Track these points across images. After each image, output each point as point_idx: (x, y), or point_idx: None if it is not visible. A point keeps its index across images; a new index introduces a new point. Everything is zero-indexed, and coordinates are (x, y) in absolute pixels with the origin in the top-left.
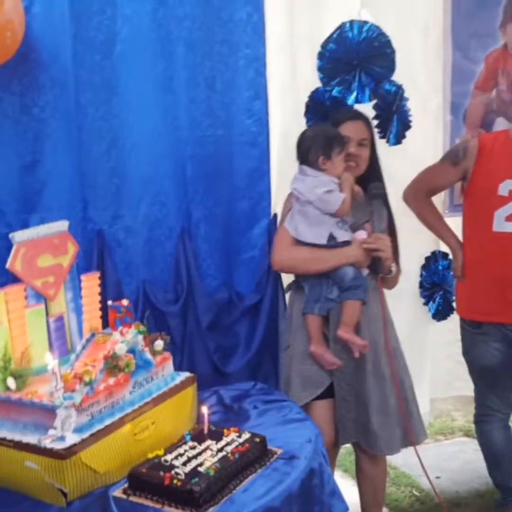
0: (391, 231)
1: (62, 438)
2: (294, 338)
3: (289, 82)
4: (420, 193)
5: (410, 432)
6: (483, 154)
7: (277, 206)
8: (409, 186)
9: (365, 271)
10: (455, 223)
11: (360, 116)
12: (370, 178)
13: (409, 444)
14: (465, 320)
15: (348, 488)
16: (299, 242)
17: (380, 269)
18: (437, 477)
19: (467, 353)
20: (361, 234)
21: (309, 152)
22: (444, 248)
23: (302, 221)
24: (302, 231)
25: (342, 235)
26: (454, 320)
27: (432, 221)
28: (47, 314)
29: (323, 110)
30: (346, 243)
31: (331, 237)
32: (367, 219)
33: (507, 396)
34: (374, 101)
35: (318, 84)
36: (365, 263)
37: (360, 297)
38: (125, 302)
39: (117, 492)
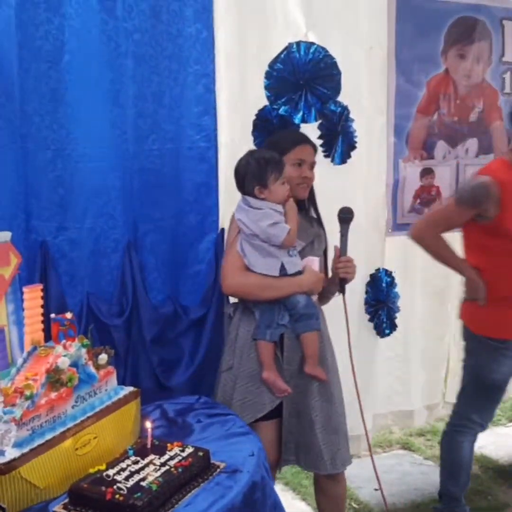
0: (325, 251)
1: (1, 453)
2: (239, 360)
3: (238, 98)
4: (438, 232)
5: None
6: (506, 194)
7: (225, 221)
8: (424, 225)
9: (315, 297)
10: (399, 242)
11: (309, 140)
12: (309, 199)
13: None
14: (489, 338)
15: (288, 501)
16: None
17: (343, 290)
18: (376, 489)
19: (484, 367)
20: (313, 261)
21: (244, 182)
22: (388, 265)
23: (252, 252)
24: (253, 262)
25: (293, 266)
26: (394, 336)
27: (449, 257)
28: None
29: (270, 128)
30: (298, 272)
31: (283, 268)
32: (311, 240)
33: (495, 411)
34: (320, 121)
35: (266, 101)
36: (317, 291)
37: (315, 327)
38: (68, 315)
39: (58, 507)
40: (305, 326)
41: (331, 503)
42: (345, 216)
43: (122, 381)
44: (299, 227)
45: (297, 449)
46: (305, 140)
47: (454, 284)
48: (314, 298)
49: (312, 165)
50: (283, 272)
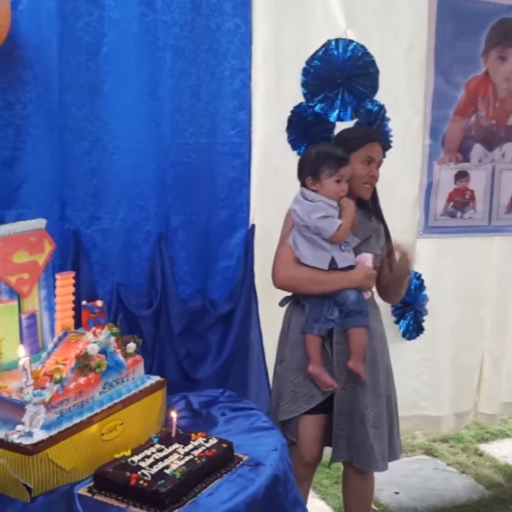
0: (389, 247)
1: (29, 434)
2: (291, 352)
3: (273, 95)
4: None
5: (391, 448)
6: None
7: (255, 217)
8: None
9: (368, 294)
10: (430, 244)
11: (379, 139)
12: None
13: (391, 459)
14: None
15: (308, 501)
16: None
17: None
18: (396, 493)
19: None
20: (366, 258)
21: (300, 171)
22: (418, 267)
23: (304, 243)
24: (304, 254)
25: (344, 260)
26: (422, 340)
27: None
28: (19, 310)
29: (305, 126)
30: (350, 267)
31: (333, 262)
32: (368, 236)
33: None
34: (356, 120)
35: (301, 98)
36: (368, 287)
37: (363, 324)
38: (99, 303)
39: (82, 490)
40: (353, 322)
41: (357, 500)
42: None
43: (148, 371)
44: (356, 224)
45: (349, 446)
46: (376, 138)
47: (489, 289)
48: (367, 295)
49: (379, 164)
50: (333, 266)
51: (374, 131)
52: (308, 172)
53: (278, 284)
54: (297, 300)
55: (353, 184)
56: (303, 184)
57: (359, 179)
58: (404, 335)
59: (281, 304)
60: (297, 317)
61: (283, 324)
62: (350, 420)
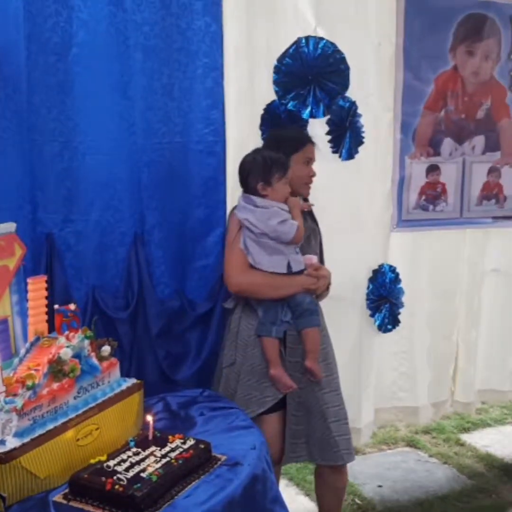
0: (320, 245)
1: (2, 442)
2: (243, 355)
3: (246, 93)
4: None
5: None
6: None
7: None
8: None
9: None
10: (403, 238)
11: (312, 139)
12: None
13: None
14: None
15: (291, 497)
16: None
17: (319, 297)
18: (379, 486)
19: None
20: (312, 258)
21: (248, 178)
22: (391, 261)
23: (258, 250)
24: (260, 260)
25: (298, 263)
26: (399, 332)
27: None
28: None
29: (278, 123)
30: (302, 270)
31: (288, 265)
32: (307, 235)
33: None
34: (328, 117)
35: (274, 96)
36: (320, 290)
37: (317, 323)
38: (72, 306)
39: (58, 497)
40: (307, 322)
41: (333, 496)
42: None
43: (126, 374)
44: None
45: (309, 444)
46: (311, 139)
47: (462, 280)
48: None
49: (313, 163)
50: (288, 269)
51: (306, 132)
52: (259, 179)
53: (236, 289)
54: (245, 303)
55: (296, 185)
56: (250, 191)
57: (301, 179)
58: (379, 328)
59: (228, 306)
60: (248, 319)
61: (232, 327)
62: (309, 418)
